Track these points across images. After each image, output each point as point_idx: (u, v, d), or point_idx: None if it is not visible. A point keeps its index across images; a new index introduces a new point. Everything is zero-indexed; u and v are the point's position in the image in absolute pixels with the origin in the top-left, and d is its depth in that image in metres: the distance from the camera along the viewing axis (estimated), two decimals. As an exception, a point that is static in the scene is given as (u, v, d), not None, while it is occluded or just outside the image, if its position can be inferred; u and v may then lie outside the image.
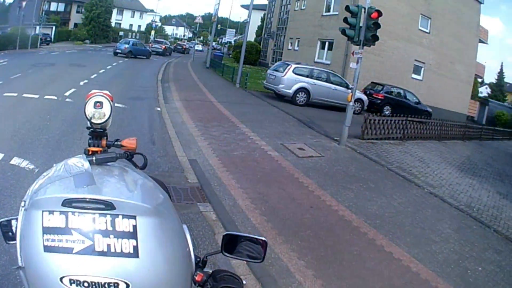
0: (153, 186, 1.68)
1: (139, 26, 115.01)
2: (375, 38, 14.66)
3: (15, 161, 9.99)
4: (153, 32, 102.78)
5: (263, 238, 2.40)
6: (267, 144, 13.97)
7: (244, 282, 2.29)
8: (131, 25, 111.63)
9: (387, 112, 25.64)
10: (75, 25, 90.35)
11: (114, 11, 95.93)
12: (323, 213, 8.71)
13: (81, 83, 24.05)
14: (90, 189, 1.41)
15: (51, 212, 1.36)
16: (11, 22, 75.93)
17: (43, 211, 1.36)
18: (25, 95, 18.93)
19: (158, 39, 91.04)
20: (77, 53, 52.90)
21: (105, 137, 1.79)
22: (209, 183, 9.91)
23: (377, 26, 14.54)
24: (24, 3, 64.94)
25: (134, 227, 1.42)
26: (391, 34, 30.45)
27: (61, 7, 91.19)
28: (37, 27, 67.50)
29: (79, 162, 1.56)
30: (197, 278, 2.21)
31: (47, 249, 1.36)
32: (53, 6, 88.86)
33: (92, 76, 27.76)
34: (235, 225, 7.73)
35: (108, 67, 35.43)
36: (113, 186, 1.51)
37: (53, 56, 45.35)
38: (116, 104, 17.83)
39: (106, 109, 1.67)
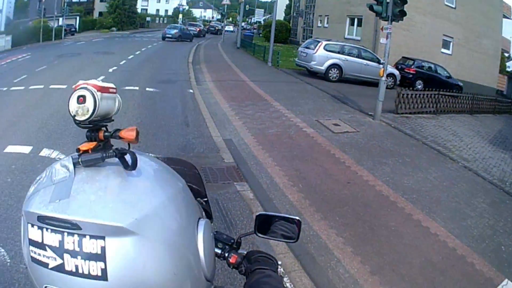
0: (145, 190, 1.43)
1: (166, 10, 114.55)
2: (403, 13, 14.36)
3: (44, 152, 10.06)
4: (180, 16, 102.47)
5: (297, 218, 2.24)
6: (302, 121, 13.84)
7: (279, 262, 2.24)
8: (157, 10, 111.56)
9: (419, 87, 25.17)
10: (100, 14, 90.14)
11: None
12: (360, 188, 8.59)
13: (110, 70, 24.09)
14: (60, 205, 1.30)
15: (32, 225, 1.31)
16: (32, 16, 76.53)
17: (27, 223, 1.32)
18: (52, 86, 18.96)
19: (192, 22, 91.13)
20: (104, 41, 53.05)
21: (104, 129, 1.54)
22: (245, 162, 9.86)
23: (404, 1, 14.21)
24: None
25: (103, 248, 1.29)
26: (418, 9, 29.75)
27: None
28: (60, 19, 67.58)
29: (65, 167, 1.42)
30: (231, 260, 2.17)
31: (32, 259, 1.31)
32: None
33: (121, 63, 27.75)
34: (272, 203, 7.67)
35: (137, 52, 35.40)
36: (86, 200, 1.33)
37: (79, 46, 45.38)
38: (147, 88, 17.92)
39: (90, 103, 1.42)
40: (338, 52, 24.78)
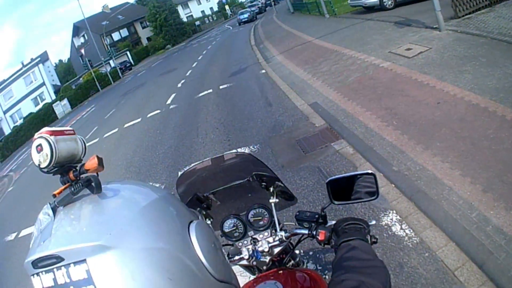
0: (117, 207, 1.43)
1: (211, 8, 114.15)
2: None
3: None
4: (227, 7, 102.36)
5: (369, 171, 2.24)
6: (376, 57, 13.52)
7: (372, 222, 2.17)
8: (202, 11, 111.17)
9: None
10: (148, 39, 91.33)
11: (179, 8, 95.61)
12: (451, 105, 8.23)
13: (179, 85, 24.67)
14: (44, 245, 1.32)
15: (32, 276, 1.33)
16: (80, 72, 78.58)
17: (30, 276, 1.34)
18: (126, 125, 19.54)
19: (251, 4, 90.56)
20: (163, 61, 53.88)
21: (73, 169, 1.54)
22: (336, 119, 9.78)
23: None
24: (83, 50, 66.42)
25: (87, 271, 1.27)
26: None
27: (124, 32, 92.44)
28: (111, 61, 68.52)
29: (46, 214, 1.46)
30: (320, 237, 2.20)
31: None
32: (116, 36, 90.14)
33: (187, 74, 28.21)
34: (373, 151, 7.59)
35: (199, 57, 35.79)
36: (64, 232, 1.34)
37: (140, 77, 46.34)
38: (220, 87, 18.27)
39: (46, 148, 1.43)
40: (384, -23, 23.78)
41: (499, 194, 5.16)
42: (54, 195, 1.49)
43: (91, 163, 1.49)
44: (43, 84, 70.85)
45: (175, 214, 1.53)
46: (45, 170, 1.47)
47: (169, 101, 20.42)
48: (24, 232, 12.78)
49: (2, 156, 50.26)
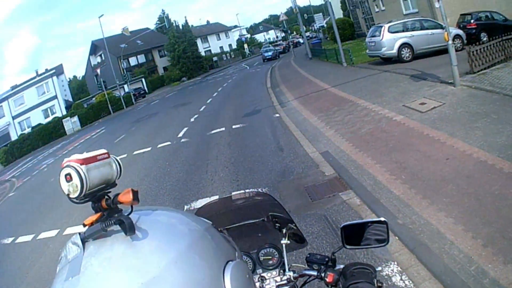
0: (150, 252, 1.42)
1: (230, 45, 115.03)
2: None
3: None
4: (246, 46, 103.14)
5: (383, 219, 2.37)
6: (389, 110, 13.83)
7: (378, 268, 2.36)
8: (221, 47, 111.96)
9: (484, 39, 23.92)
10: (165, 69, 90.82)
11: (198, 41, 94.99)
12: (459, 161, 8.52)
13: (192, 120, 24.71)
14: (72, 282, 1.35)
15: None
16: (93, 92, 78.78)
17: None
18: (135, 152, 19.57)
19: (277, 43, 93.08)
20: (178, 93, 54.07)
21: (106, 197, 1.54)
22: (346, 170, 10.00)
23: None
24: (98, 70, 66.68)
25: None
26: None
27: (141, 58, 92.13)
28: (125, 86, 68.42)
29: (75, 244, 1.46)
30: (328, 279, 2.26)
31: None
32: (132, 61, 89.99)
33: (201, 109, 28.37)
34: (380, 203, 7.79)
35: (214, 94, 36.10)
36: (93, 273, 1.36)
37: (153, 106, 46.32)
38: (233, 126, 18.39)
39: (76, 179, 1.42)
40: (403, 31, 24.26)
41: (499, 248, 5.40)
42: (84, 224, 1.50)
43: (125, 197, 1.49)
44: (55, 97, 71.13)
45: (212, 255, 1.53)
46: (75, 200, 1.47)
47: (180, 134, 20.60)
48: (21, 239, 12.92)
49: (6, 161, 50.45)
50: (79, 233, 1.47)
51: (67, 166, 1.44)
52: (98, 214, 1.51)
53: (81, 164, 1.44)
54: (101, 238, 1.46)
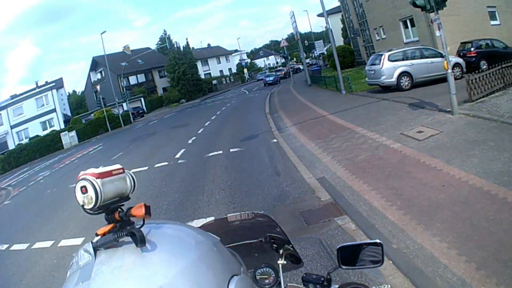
0: (159, 263, 1.49)
1: (229, 69, 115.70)
2: (444, -1, 14.36)
3: None
4: (245, 70, 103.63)
5: (378, 241, 2.44)
6: (387, 138, 13.95)
7: (372, 287, 2.42)
8: (221, 71, 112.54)
9: (484, 67, 24.10)
10: (164, 89, 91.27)
11: (198, 64, 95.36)
12: (455, 188, 8.61)
13: (190, 141, 24.74)
14: (83, 287, 1.42)
15: None
16: (92, 108, 79.05)
17: None
18: (132, 171, 19.50)
19: (278, 69, 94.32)
20: (176, 115, 54.31)
21: (119, 209, 1.61)
22: (342, 195, 10.06)
23: (441, -12, 14.22)
24: (98, 87, 66.99)
25: None
26: (455, -11, 29.06)
27: (141, 78, 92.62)
28: (124, 104, 68.77)
29: (87, 251, 1.54)
30: None
31: None
32: (132, 80, 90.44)
33: (199, 131, 28.44)
34: (375, 228, 7.84)
35: (213, 117, 36.18)
36: (103, 281, 1.43)
37: (151, 126, 46.53)
38: (231, 150, 18.40)
39: (91, 192, 1.49)
40: (403, 59, 24.57)
41: (492, 271, 5.48)
42: (97, 234, 1.57)
43: (138, 211, 1.57)
44: (54, 110, 71.54)
45: (218, 269, 1.61)
46: (89, 211, 1.56)
47: (178, 155, 20.62)
48: (15, 247, 12.88)
49: (3, 169, 50.45)
50: (91, 242, 1.55)
51: (83, 179, 1.53)
52: (111, 225, 1.59)
53: (96, 178, 1.53)
54: (112, 247, 1.54)
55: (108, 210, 1.60)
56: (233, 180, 13.97)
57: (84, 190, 1.52)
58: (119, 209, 1.63)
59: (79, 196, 1.53)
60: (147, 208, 1.58)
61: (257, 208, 10.64)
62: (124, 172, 1.68)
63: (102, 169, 1.58)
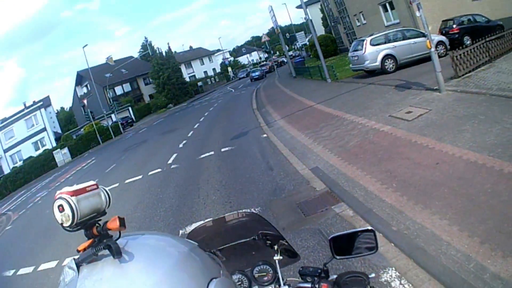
0: (137, 272, 1.51)
1: (214, 69, 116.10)
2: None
3: None
4: (229, 69, 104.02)
5: (369, 228, 2.43)
6: (376, 122, 13.90)
7: (372, 275, 2.35)
8: (205, 71, 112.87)
9: (468, 42, 24.27)
10: (150, 96, 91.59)
11: (182, 67, 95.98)
12: (449, 164, 8.55)
13: (180, 145, 24.79)
14: None
15: None
16: (81, 123, 79.23)
17: None
18: (127, 181, 19.63)
19: (262, 64, 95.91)
20: (165, 120, 54.58)
21: (97, 224, 1.64)
22: (337, 183, 10.01)
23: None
24: (85, 101, 67.08)
25: None
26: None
27: (127, 87, 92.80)
28: (112, 115, 68.97)
29: (71, 268, 1.57)
30: None
31: None
32: (118, 90, 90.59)
33: (189, 134, 28.45)
34: (372, 213, 7.79)
35: (201, 119, 36.21)
36: None
37: (141, 134, 46.66)
38: (222, 149, 18.46)
39: (68, 210, 1.52)
40: (385, 42, 24.56)
41: (496, 243, 5.41)
42: (78, 251, 1.61)
43: (112, 224, 1.60)
44: (44, 129, 71.57)
45: (196, 274, 1.64)
46: (68, 229, 1.58)
47: (170, 161, 20.59)
48: (22, 271, 12.87)
49: (0, 195, 50.24)
50: (74, 258, 1.57)
51: (60, 198, 1.54)
52: (90, 241, 1.61)
53: (71, 196, 1.55)
54: (93, 262, 1.56)
55: (86, 226, 1.61)
56: (227, 179, 13.92)
57: (61, 208, 1.54)
58: (97, 224, 1.64)
59: (57, 215, 1.55)
60: (121, 220, 1.60)
61: (253, 205, 10.62)
62: (98, 187, 1.69)
63: (76, 187, 1.60)
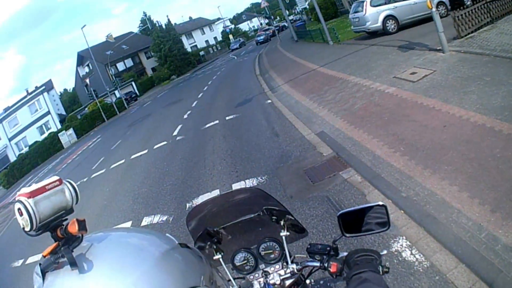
0: (100, 284, 1.39)
1: (215, 38, 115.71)
2: None
3: (146, 221, 10.43)
4: (231, 36, 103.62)
5: (381, 203, 2.29)
6: (381, 83, 13.65)
7: (384, 252, 2.23)
8: (206, 41, 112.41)
9: (468, 3, 23.74)
10: (153, 69, 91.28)
11: (183, 38, 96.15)
12: (457, 127, 8.36)
13: (185, 116, 24.79)
14: None
15: None
16: (85, 102, 79.14)
17: None
18: (133, 156, 19.66)
19: (265, 28, 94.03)
20: (168, 92, 54.50)
21: (61, 225, 1.52)
22: (344, 148, 9.88)
23: None
24: (88, 80, 66.92)
25: None
26: None
27: (128, 62, 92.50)
28: (116, 92, 69.13)
29: (38, 275, 1.46)
30: (332, 269, 2.23)
31: None
32: (120, 66, 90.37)
33: (193, 105, 28.41)
34: (381, 178, 7.66)
35: (205, 88, 36.09)
36: None
37: (146, 108, 46.74)
38: (227, 118, 18.35)
39: (25, 214, 1.40)
40: (385, 3, 23.99)
41: (508, 212, 5.26)
42: (43, 256, 1.49)
43: (71, 228, 1.47)
44: (48, 113, 71.59)
45: (170, 284, 1.48)
46: (31, 233, 1.48)
47: (175, 133, 20.62)
48: (30, 260, 12.91)
49: (8, 183, 50.87)
50: (39, 264, 1.46)
51: (18, 201, 1.43)
52: (55, 244, 1.49)
53: (28, 198, 1.42)
54: (57, 269, 1.45)
55: (50, 228, 1.50)
56: (232, 148, 13.84)
57: (20, 212, 1.43)
58: (62, 226, 1.52)
59: (19, 219, 1.45)
60: (81, 223, 1.46)
61: (260, 173, 10.54)
62: (61, 183, 1.55)
63: (34, 186, 1.47)
